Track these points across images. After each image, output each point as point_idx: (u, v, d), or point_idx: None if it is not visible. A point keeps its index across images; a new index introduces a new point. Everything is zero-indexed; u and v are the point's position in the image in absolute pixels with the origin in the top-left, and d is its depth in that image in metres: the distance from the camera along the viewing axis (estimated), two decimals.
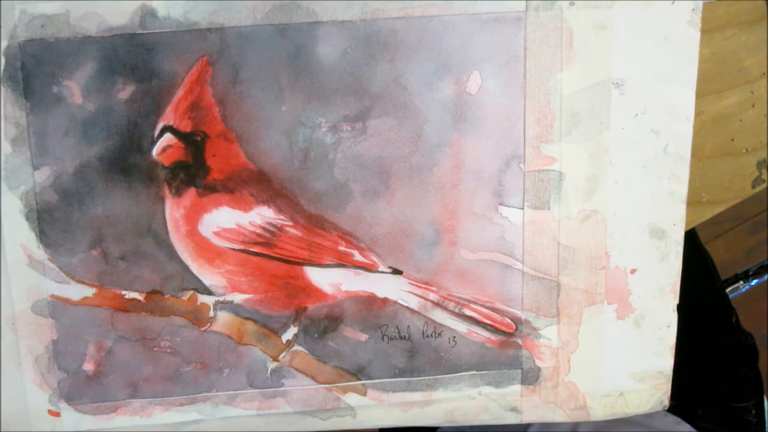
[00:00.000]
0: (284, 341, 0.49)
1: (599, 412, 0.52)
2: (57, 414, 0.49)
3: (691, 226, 0.52)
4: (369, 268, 0.48)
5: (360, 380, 0.50)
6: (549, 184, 0.47)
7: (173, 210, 0.46)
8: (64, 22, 0.43)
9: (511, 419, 0.52)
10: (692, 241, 0.69)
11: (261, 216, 0.47)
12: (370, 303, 0.49)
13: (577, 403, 0.51)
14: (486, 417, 0.51)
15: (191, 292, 0.48)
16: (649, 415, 0.58)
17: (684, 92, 0.47)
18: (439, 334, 0.50)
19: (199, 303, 0.48)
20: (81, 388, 0.49)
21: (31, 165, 0.45)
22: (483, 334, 0.50)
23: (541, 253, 0.48)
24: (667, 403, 0.52)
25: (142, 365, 0.48)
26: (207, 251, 0.47)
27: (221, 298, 0.48)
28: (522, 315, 0.49)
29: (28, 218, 0.46)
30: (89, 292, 0.47)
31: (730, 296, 0.90)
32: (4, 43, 0.43)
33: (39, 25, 0.43)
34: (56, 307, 0.47)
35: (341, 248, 0.48)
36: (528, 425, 0.59)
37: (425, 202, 0.47)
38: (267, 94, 0.45)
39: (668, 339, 0.51)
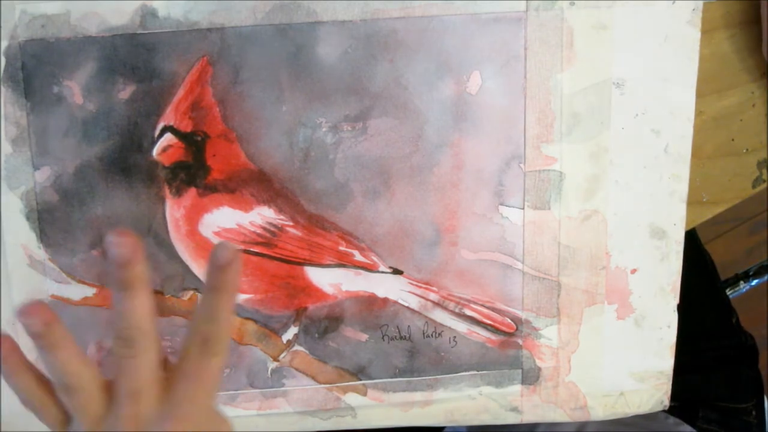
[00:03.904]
0: (285, 341, 0.49)
1: (600, 412, 0.52)
2: None
3: (691, 226, 0.52)
4: (369, 268, 0.48)
5: (360, 380, 0.50)
6: (549, 184, 0.47)
7: (174, 210, 0.46)
8: (64, 22, 0.43)
9: (512, 419, 0.52)
10: (692, 241, 0.69)
11: (261, 216, 0.47)
12: (371, 303, 0.49)
13: (577, 403, 0.51)
14: (486, 417, 0.51)
15: (192, 292, 0.48)
16: (649, 417, 0.58)
17: (684, 92, 0.47)
18: (439, 334, 0.50)
19: None
20: None
21: (32, 165, 0.45)
22: (483, 334, 0.50)
23: (541, 253, 0.48)
24: (667, 403, 0.52)
25: None
26: (207, 251, 0.47)
27: None
28: (522, 315, 0.49)
29: (28, 218, 0.46)
30: (90, 292, 0.47)
31: (731, 296, 0.90)
32: (5, 43, 0.43)
33: (39, 25, 0.43)
34: (57, 307, 0.47)
35: (342, 248, 0.48)
36: (535, 425, 0.59)
37: (426, 202, 0.47)
38: (267, 94, 0.45)
39: (668, 339, 0.51)
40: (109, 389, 0.37)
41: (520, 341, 0.50)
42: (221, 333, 0.37)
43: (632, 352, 0.51)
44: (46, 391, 0.37)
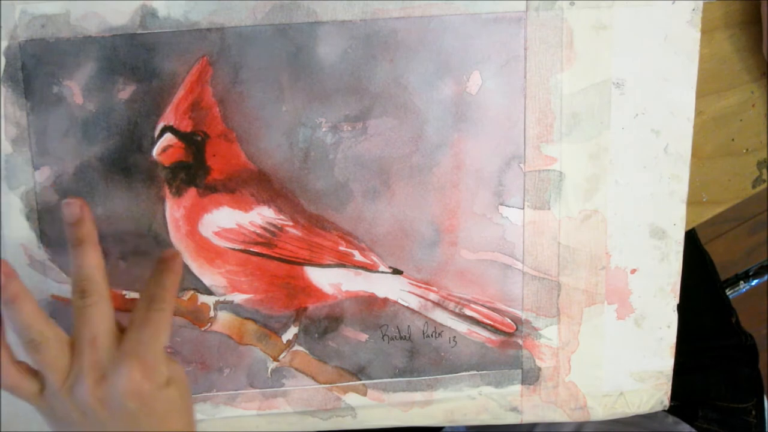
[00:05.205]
0: (284, 341, 0.49)
1: (599, 412, 0.52)
2: None
3: (691, 226, 0.52)
4: (369, 268, 0.48)
5: (360, 380, 0.50)
6: (549, 184, 0.47)
7: (173, 210, 0.46)
8: (64, 22, 0.43)
9: (512, 419, 0.52)
10: (692, 241, 0.69)
11: (261, 216, 0.47)
12: (371, 303, 0.49)
13: (577, 403, 0.51)
14: (486, 417, 0.51)
15: (191, 292, 0.48)
16: (649, 416, 0.58)
17: (684, 92, 0.47)
18: (439, 334, 0.50)
19: (199, 303, 0.48)
20: None
21: (32, 165, 0.45)
22: (483, 334, 0.50)
23: (541, 253, 0.48)
24: (667, 403, 0.52)
25: None
26: (207, 251, 0.47)
27: (221, 298, 0.48)
28: (522, 315, 0.49)
29: (28, 218, 0.46)
30: None
31: (730, 296, 0.90)
32: (5, 43, 0.43)
33: (39, 25, 0.43)
34: (57, 308, 0.47)
35: (341, 248, 0.48)
36: (534, 425, 0.59)
37: (426, 202, 0.47)
38: (267, 94, 0.45)
39: (668, 339, 0.51)
40: (72, 345, 0.42)
41: (520, 341, 0.50)
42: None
43: (632, 352, 0.51)
44: (18, 367, 0.42)
